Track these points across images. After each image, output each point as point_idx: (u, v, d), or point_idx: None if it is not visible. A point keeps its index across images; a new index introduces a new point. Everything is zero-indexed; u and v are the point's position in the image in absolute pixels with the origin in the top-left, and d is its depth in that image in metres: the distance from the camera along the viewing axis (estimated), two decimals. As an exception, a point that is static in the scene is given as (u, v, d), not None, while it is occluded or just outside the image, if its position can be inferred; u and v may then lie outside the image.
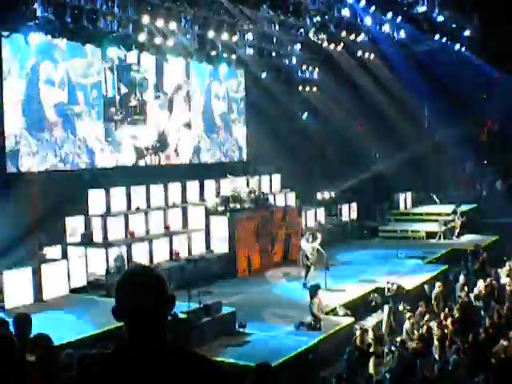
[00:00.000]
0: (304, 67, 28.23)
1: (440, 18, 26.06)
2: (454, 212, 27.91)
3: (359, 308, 17.80)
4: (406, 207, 32.05)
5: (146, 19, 18.88)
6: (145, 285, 2.73)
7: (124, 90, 22.10)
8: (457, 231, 27.69)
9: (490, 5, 26.66)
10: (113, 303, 2.80)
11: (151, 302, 2.70)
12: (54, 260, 17.69)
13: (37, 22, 16.70)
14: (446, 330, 15.11)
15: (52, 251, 18.21)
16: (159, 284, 2.76)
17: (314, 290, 15.95)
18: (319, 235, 20.61)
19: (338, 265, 22.20)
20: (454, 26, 27.23)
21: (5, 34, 17.30)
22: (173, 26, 19.64)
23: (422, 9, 25.05)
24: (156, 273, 2.82)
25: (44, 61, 19.19)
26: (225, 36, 21.23)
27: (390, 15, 23.92)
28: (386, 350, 14.67)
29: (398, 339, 14.75)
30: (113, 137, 21.77)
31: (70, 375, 5.38)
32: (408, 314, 16.33)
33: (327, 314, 16.30)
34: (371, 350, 14.56)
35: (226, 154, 27.07)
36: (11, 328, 7.39)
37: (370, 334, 15.00)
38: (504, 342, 12.81)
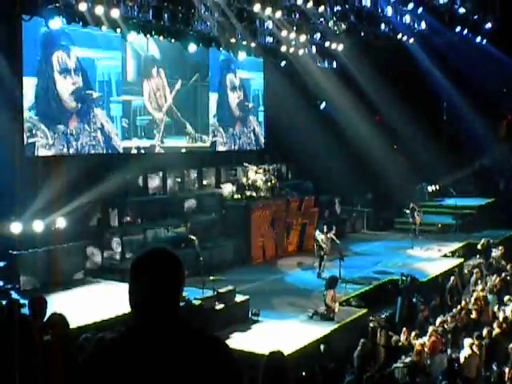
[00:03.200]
0: (323, 56, 28.01)
1: (461, 10, 25.80)
2: (412, 209, 26.52)
3: (373, 299, 17.77)
4: (422, 199, 31.83)
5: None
6: (163, 263, 2.72)
7: (143, 75, 22.11)
8: (417, 229, 26.45)
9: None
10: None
11: (169, 279, 2.70)
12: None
13: (57, 5, 16.66)
14: (459, 324, 15.08)
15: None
16: (177, 262, 2.75)
17: (331, 282, 15.94)
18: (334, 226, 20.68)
19: (353, 255, 22.20)
20: (475, 18, 26.95)
21: (26, 17, 17.25)
22: (193, 12, 19.56)
23: (443, 0, 24.81)
24: (173, 252, 2.80)
25: (58, 49, 19.07)
26: (244, 23, 21.12)
27: (411, 6, 23.68)
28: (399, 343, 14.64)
29: (413, 333, 14.70)
30: (131, 122, 21.77)
31: (84, 357, 5.42)
32: (422, 307, 16.29)
33: (341, 304, 16.30)
34: (382, 343, 14.58)
35: (242, 143, 27.03)
36: (26, 310, 7.45)
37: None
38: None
